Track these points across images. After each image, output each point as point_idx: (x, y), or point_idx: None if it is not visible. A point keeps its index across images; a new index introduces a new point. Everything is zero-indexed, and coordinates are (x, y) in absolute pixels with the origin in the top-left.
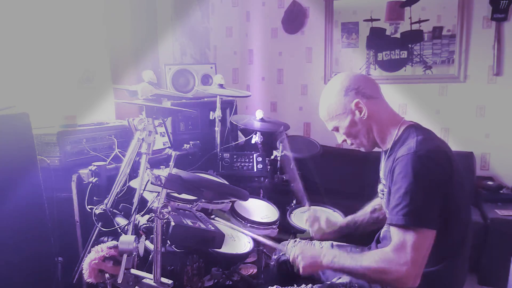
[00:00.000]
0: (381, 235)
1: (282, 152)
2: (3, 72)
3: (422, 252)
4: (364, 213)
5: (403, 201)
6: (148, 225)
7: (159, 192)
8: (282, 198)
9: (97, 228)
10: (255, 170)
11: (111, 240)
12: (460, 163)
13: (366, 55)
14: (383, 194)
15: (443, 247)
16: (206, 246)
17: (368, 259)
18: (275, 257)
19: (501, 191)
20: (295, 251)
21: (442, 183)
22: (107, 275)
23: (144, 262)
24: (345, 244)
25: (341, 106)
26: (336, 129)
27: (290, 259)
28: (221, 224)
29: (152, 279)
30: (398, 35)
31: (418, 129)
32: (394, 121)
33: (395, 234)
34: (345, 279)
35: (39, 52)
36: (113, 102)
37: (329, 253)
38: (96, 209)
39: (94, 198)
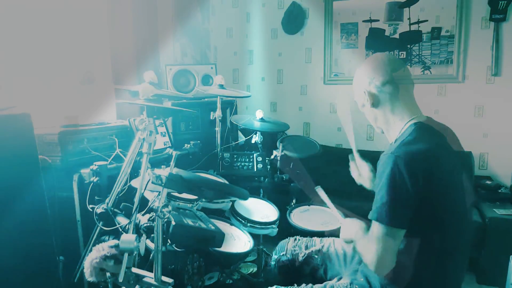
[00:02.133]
0: None
1: (282, 152)
2: (5, 72)
3: (386, 247)
4: None
5: (377, 196)
6: (149, 224)
7: (159, 192)
8: (282, 198)
9: (98, 227)
10: (255, 169)
11: (112, 239)
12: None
13: (365, 56)
14: None
15: (431, 250)
16: (206, 245)
17: (361, 240)
18: (276, 257)
19: (499, 191)
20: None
21: (415, 186)
22: (108, 274)
23: (145, 261)
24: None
25: (359, 86)
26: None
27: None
28: (222, 224)
29: (153, 278)
30: (397, 36)
31: (417, 129)
32: (404, 116)
33: (372, 225)
34: (345, 279)
35: (41, 52)
36: (114, 102)
37: (354, 227)
38: (97, 208)
39: (95, 197)
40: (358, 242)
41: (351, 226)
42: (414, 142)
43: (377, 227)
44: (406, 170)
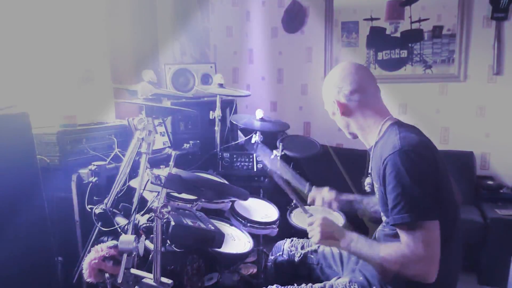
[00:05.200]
0: (376, 235)
1: (282, 151)
2: (3, 71)
3: (434, 246)
4: (370, 200)
5: (402, 199)
6: (148, 224)
7: (159, 192)
8: (282, 198)
9: (97, 228)
10: (255, 169)
11: (111, 240)
12: (459, 162)
13: (366, 55)
14: (370, 188)
15: None
16: (206, 246)
17: (386, 250)
18: (272, 257)
19: (501, 191)
20: (316, 221)
21: (431, 174)
22: (107, 275)
23: (144, 262)
24: None
25: (328, 96)
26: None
27: (307, 225)
28: (221, 224)
29: (152, 279)
30: (398, 34)
31: (400, 126)
32: (377, 119)
33: (403, 234)
34: (344, 279)
35: (39, 51)
36: (113, 102)
37: (348, 236)
38: (96, 208)
39: (94, 197)
40: (378, 252)
41: (333, 229)
42: (410, 136)
43: (417, 230)
44: (420, 160)
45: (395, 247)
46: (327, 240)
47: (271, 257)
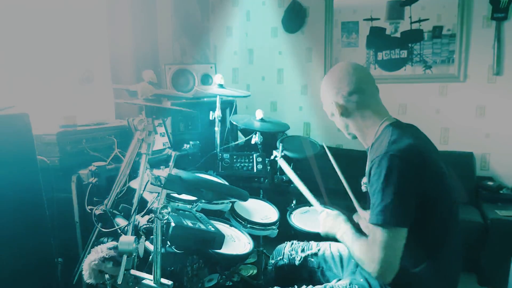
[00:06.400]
0: None
1: (282, 152)
2: (3, 72)
3: (393, 251)
4: None
5: (377, 200)
6: (148, 225)
7: (159, 193)
8: (282, 199)
9: (97, 229)
10: (255, 170)
11: (111, 241)
12: (459, 163)
13: (366, 55)
14: (366, 187)
15: (421, 246)
16: (206, 247)
17: (357, 245)
18: (273, 261)
19: (501, 191)
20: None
21: (413, 181)
22: (107, 276)
23: (144, 263)
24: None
25: (326, 98)
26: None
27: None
28: (221, 225)
29: (152, 280)
30: (398, 35)
31: (395, 128)
32: (376, 120)
33: (371, 231)
34: (345, 280)
35: (40, 51)
36: (113, 102)
37: (342, 228)
38: (96, 209)
39: (94, 198)
40: (353, 246)
41: (333, 222)
42: (401, 139)
43: (381, 232)
44: (403, 166)
45: (362, 244)
46: (329, 231)
47: (272, 261)
